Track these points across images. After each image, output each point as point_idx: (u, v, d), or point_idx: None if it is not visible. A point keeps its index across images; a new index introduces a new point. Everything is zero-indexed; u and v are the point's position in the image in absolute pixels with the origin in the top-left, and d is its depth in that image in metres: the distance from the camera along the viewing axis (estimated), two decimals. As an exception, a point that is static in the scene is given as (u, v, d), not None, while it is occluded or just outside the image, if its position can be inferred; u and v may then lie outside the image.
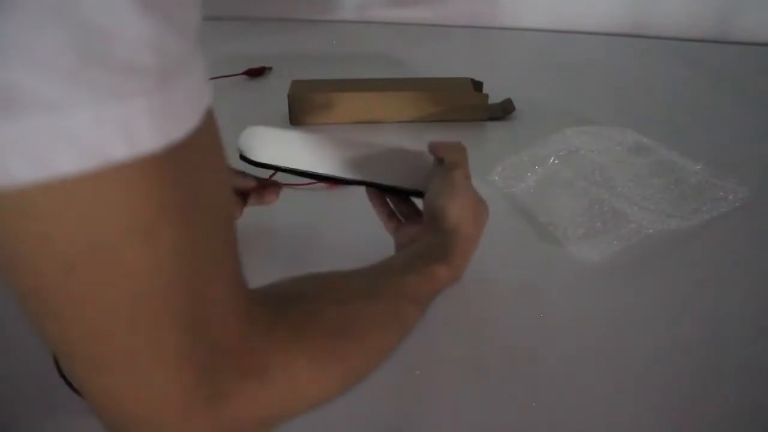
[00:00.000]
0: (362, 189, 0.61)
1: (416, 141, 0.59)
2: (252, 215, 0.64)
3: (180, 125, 0.25)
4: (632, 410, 0.50)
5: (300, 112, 0.90)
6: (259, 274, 0.39)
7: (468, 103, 0.91)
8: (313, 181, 0.63)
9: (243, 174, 0.64)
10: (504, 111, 0.92)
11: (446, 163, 0.55)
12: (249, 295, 0.31)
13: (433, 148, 0.57)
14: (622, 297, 0.61)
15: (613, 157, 0.77)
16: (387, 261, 0.47)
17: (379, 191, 0.60)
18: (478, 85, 0.93)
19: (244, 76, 1.05)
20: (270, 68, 1.07)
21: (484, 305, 0.60)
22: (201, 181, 0.27)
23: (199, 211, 0.27)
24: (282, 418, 0.33)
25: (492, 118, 0.92)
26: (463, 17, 1.24)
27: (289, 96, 0.90)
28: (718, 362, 0.54)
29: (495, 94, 0.92)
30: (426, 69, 1.05)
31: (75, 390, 0.49)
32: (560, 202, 0.71)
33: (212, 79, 1.01)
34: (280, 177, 0.64)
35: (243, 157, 0.59)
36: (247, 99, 0.99)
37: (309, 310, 0.35)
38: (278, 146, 0.59)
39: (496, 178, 0.77)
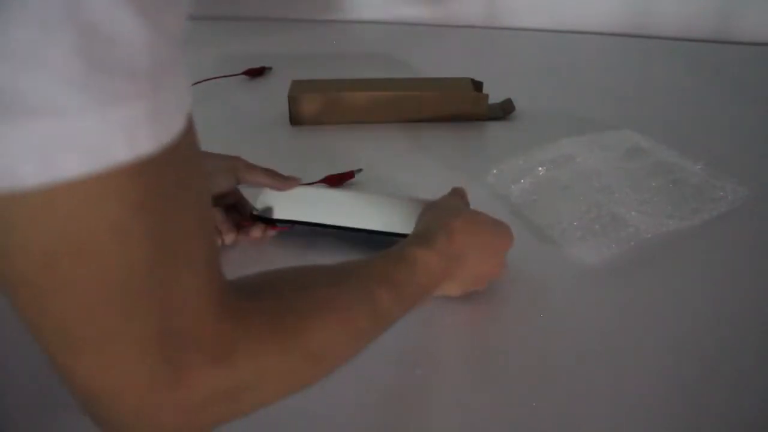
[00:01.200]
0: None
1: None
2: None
3: (171, 127, 0.26)
4: (632, 410, 0.50)
5: (300, 112, 0.90)
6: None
7: (468, 103, 0.91)
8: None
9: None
10: (504, 111, 0.92)
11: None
12: (224, 285, 0.32)
13: None
14: (621, 298, 0.61)
15: (611, 164, 0.77)
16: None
17: None
18: (478, 85, 0.93)
19: (244, 76, 1.05)
20: (270, 68, 1.07)
21: (484, 306, 0.60)
22: (181, 180, 0.28)
23: (176, 209, 0.28)
24: (251, 405, 0.34)
25: (492, 118, 0.92)
26: (463, 17, 1.24)
27: (289, 96, 0.90)
28: (718, 362, 0.54)
29: (495, 94, 0.92)
30: (426, 69, 1.05)
31: None
32: (558, 205, 0.71)
33: (212, 79, 1.01)
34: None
35: (256, 216, 0.65)
36: (247, 99, 0.99)
37: (278, 300, 0.36)
38: (289, 203, 0.65)
39: (491, 180, 0.77)
